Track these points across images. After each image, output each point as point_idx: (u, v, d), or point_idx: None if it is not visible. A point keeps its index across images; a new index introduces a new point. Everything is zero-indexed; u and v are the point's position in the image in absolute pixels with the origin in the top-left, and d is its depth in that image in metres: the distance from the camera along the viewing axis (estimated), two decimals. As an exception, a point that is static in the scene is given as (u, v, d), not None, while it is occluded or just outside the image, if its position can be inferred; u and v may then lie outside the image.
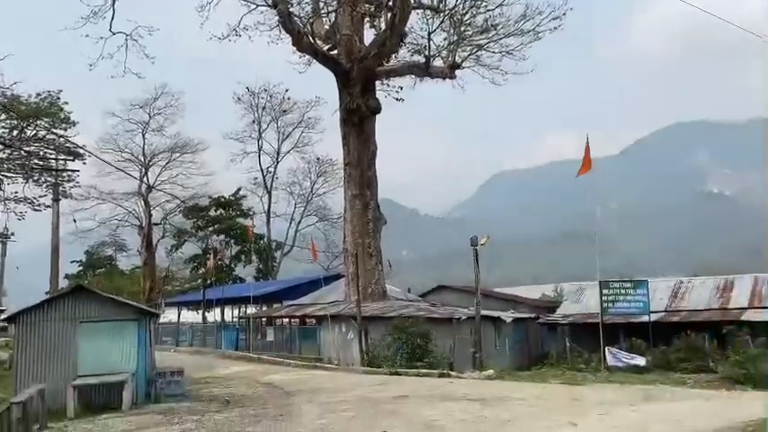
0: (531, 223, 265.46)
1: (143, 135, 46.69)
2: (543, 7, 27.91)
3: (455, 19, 28.44)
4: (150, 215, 45.80)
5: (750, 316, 21.84)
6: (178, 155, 47.04)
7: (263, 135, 50.82)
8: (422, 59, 29.21)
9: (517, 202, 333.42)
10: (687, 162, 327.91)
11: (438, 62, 29.75)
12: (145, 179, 46.19)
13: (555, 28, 28.12)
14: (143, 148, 46.59)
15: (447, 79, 30.00)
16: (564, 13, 27.55)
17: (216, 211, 50.07)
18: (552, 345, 25.52)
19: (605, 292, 21.15)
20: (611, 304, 21.15)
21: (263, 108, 49.75)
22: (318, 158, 50.98)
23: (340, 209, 33.60)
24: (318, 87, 42.29)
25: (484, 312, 21.82)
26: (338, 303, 26.76)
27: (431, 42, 28.45)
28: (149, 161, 46.64)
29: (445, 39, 29.44)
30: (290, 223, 51.47)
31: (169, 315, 42.97)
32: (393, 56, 29.80)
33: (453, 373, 17.81)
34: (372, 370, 19.29)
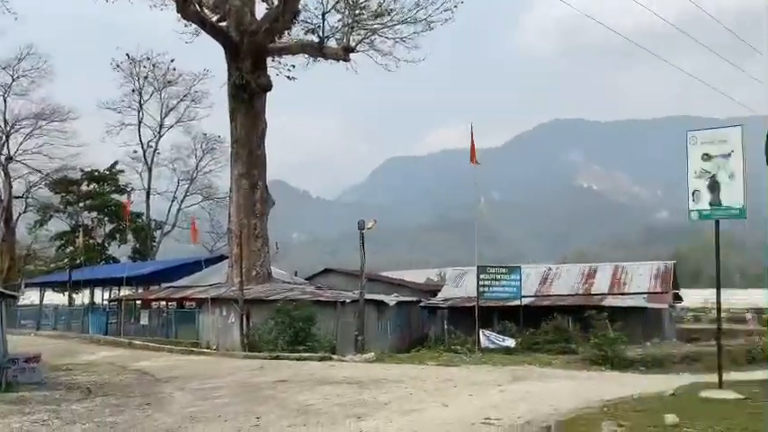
0: (422, 209, 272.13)
1: (4, 99, 42.50)
2: (436, -3, 28.31)
3: (350, 1, 28.17)
4: (11, 187, 41.82)
5: (610, 301, 23.74)
6: (45, 122, 43.11)
7: (143, 107, 47.68)
8: (315, 39, 28.70)
9: (409, 189, 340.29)
10: (563, 157, 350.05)
11: (332, 43, 29.39)
12: (5, 148, 42.07)
13: (447, 20, 28.68)
14: (3, 114, 42.43)
15: (341, 61, 29.74)
16: (455, 6, 28.16)
17: (88, 185, 46.42)
18: (433, 327, 26.35)
19: (482, 276, 22.08)
20: (487, 289, 22.13)
21: (146, 78, 46.60)
22: (205, 135, 48.81)
23: (227, 188, 32.38)
24: (207, 60, 40.34)
25: (368, 296, 22.05)
26: (220, 286, 25.90)
27: (325, 23, 28.02)
28: (11, 128, 42.51)
29: (340, 20, 29.09)
30: (173, 201, 48.96)
31: (31, 296, 39.59)
32: (286, 33, 28.99)
33: (335, 357, 17.85)
34: (253, 354, 18.87)
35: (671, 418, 6.54)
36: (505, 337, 20.48)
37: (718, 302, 8.95)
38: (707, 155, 8.44)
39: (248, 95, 27.04)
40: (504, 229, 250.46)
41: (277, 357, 17.86)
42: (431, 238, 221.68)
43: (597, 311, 20.62)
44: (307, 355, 17.81)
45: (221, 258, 32.37)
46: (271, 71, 28.96)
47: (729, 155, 8.24)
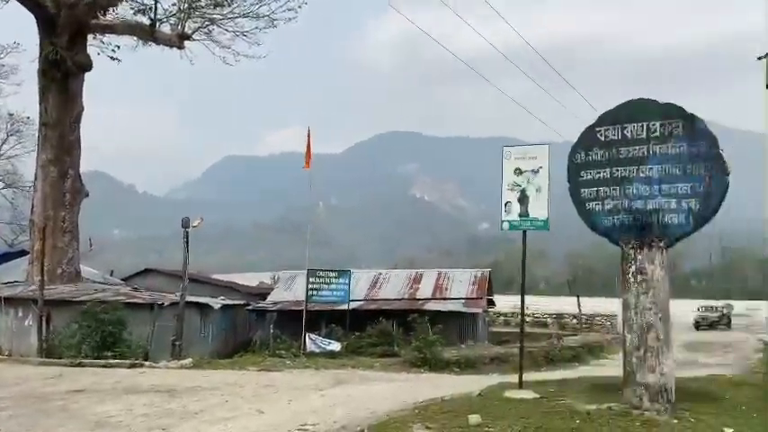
0: (262, 210, 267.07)
1: None
2: (280, -5, 27.81)
3: (187, -15, 26.65)
4: None
5: (432, 306, 24.87)
6: None
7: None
8: (147, 21, 26.68)
9: (249, 188, 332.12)
10: (399, 168, 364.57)
11: (166, 29, 27.55)
12: None
13: (290, 19, 28.29)
14: None
15: (175, 48, 27.99)
16: (300, 6, 27.87)
17: None
18: (260, 332, 25.62)
19: (312, 280, 21.92)
20: (316, 292, 22.00)
21: (-63, 44, 40.08)
22: (11, 114, 43.11)
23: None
24: (18, 31, 35.69)
25: (190, 298, 20.80)
26: (17, 284, 22.88)
27: (158, 4, 26.19)
28: None
29: (175, 4, 27.39)
30: (-34, 187, 42.52)
31: None
32: (112, 10, 26.58)
33: (147, 363, 16.48)
34: (51, 361, 16.78)
35: (474, 419, 6.80)
36: (331, 341, 20.49)
37: (522, 308, 9.61)
38: (519, 169, 9.03)
39: (62, 74, 24.26)
40: (340, 234, 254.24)
41: (80, 364, 16.06)
42: (271, 239, 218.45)
43: (420, 315, 21.44)
44: (115, 361, 16.24)
45: (23, 253, 28.70)
46: (92, 50, 26.41)
47: (538, 171, 8.89)
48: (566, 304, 44.61)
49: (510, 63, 16.91)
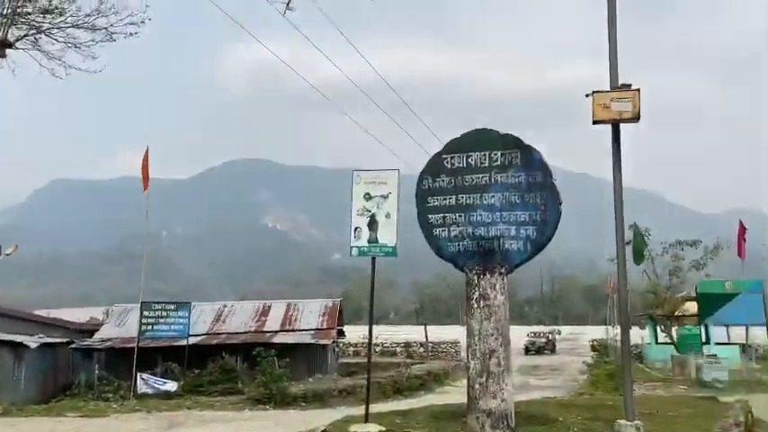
0: (94, 239, 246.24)
1: None
2: (120, 8, 25.93)
3: (11, -14, 23.88)
4: None
5: (281, 338, 23.92)
6: None
7: None
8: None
9: (83, 215, 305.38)
10: (250, 196, 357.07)
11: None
12: None
13: (131, 34, 26.40)
14: None
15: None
16: (142, 21, 26.13)
17: None
18: (85, 373, 22.93)
19: (147, 314, 20.14)
20: (151, 327, 20.22)
21: None
22: None
23: None
24: None
25: (1, 336, 18.09)
26: None
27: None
28: None
29: (-4, 7, 24.41)
30: None
31: None
32: None
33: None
34: None
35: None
36: (167, 380, 18.83)
37: (370, 336, 9.33)
38: (368, 194, 8.84)
39: None
40: (186, 265, 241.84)
41: None
42: (107, 271, 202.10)
43: (266, 348, 20.47)
44: None
45: None
46: None
47: (387, 196, 8.76)
48: (414, 333, 45.66)
49: (362, 97, 17.14)
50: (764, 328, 23.09)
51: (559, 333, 70.79)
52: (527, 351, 41.41)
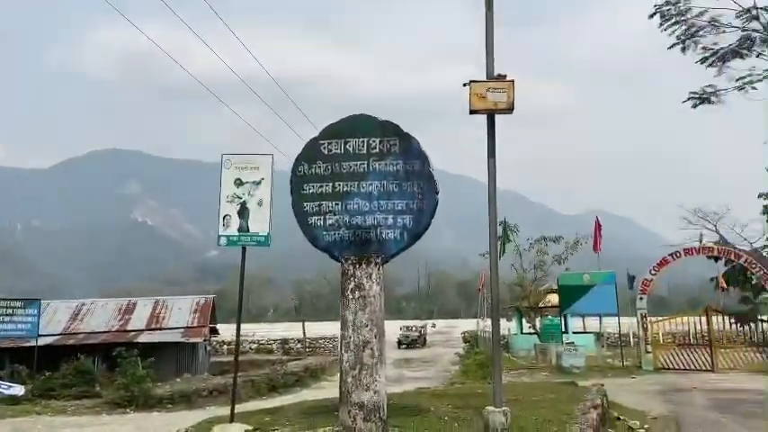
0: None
1: None
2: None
3: None
4: None
5: (146, 337, 22.48)
6: None
7: None
8: None
9: None
10: (119, 189, 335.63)
11: None
12: None
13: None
14: None
15: None
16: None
17: None
18: None
19: (-12, 312, 17.99)
20: (-7, 327, 18.10)
21: None
22: None
23: None
24: None
25: None
26: None
27: None
28: None
29: None
30: None
31: None
32: None
33: None
34: None
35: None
36: (13, 384, 16.94)
37: (238, 332, 8.80)
38: (239, 180, 8.32)
39: None
40: (43, 261, 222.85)
41: None
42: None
43: (128, 348, 19.05)
44: None
45: None
46: None
47: (260, 182, 8.29)
48: (293, 330, 44.96)
49: (243, 92, 16.41)
50: (616, 317, 25.17)
51: (434, 326, 72.93)
52: (399, 344, 42.21)
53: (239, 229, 8.23)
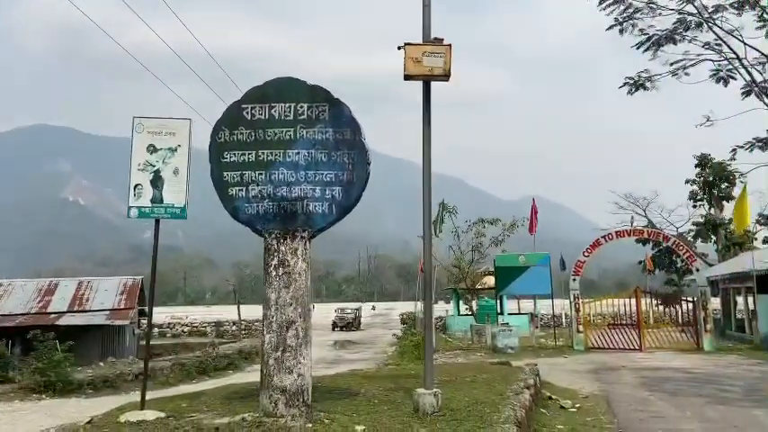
0: None
1: None
2: None
3: None
4: None
5: (68, 320, 21.29)
6: None
7: None
8: None
9: None
10: (47, 166, 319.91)
11: None
12: None
13: None
14: None
15: None
16: None
17: None
18: None
19: None
20: None
21: None
22: None
23: None
24: None
25: None
26: None
27: None
28: None
29: None
30: None
31: None
32: None
33: None
34: None
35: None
36: None
37: (150, 311, 8.15)
38: (153, 146, 7.62)
39: None
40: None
41: None
42: None
43: (45, 331, 17.89)
44: None
45: None
46: None
47: (176, 149, 7.62)
48: (231, 312, 43.94)
49: (182, 69, 15.43)
50: (550, 299, 25.58)
51: (374, 308, 72.87)
52: (334, 327, 41.92)
53: (152, 200, 7.55)
